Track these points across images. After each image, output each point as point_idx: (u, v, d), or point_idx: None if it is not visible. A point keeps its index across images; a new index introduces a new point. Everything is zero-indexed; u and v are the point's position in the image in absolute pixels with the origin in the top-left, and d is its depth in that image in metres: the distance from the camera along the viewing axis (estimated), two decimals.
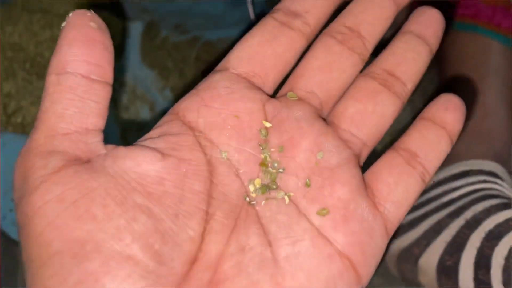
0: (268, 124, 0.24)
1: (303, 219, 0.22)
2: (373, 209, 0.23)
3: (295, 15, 0.26)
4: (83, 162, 0.21)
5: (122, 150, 0.21)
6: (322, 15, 0.26)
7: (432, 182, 0.40)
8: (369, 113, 0.25)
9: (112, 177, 0.20)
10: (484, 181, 0.38)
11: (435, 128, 0.25)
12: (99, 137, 0.21)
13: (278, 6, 0.26)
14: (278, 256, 0.21)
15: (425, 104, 0.26)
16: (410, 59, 0.26)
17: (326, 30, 0.27)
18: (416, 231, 0.37)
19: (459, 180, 0.38)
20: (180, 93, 0.49)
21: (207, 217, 0.21)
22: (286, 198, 0.23)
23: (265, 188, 0.23)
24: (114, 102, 0.49)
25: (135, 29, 0.52)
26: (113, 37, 0.53)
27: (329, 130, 0.24)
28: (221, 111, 0.24)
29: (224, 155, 0.23)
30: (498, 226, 0.33)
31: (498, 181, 0.38)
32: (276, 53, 0.25)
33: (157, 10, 0.52)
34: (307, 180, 0.23)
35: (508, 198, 0.36)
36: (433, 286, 0.36)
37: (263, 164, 0.23)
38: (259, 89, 0.25)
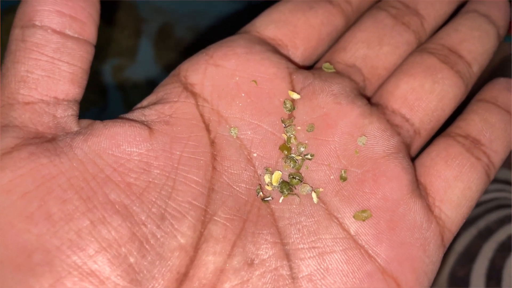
0: (295, 95, 0.18)
1: (335, 224, 0.17)
2: (428, 213, 0.18)
3: None
4: (46, 140, 0.16)
5: (97, 127, 0.16)
6: None
7: None
8: (427, 92, 0.20)
9: (80, 163, 0.15)
10: (499, 190, 0.36)
11: (500, 112, 0.20)
12: (72, 111, 0.17)
13: None
14: (299, 274, 0.16)
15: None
16: (476, 37, 0.21)
17: (377, 5, 0.22)
18: None
19: None
20: None
21: (204, 218, 0.16)
22: (314, 195, 0.17)
23: (286, 186, 0.17)
24: (127, 103, 0.49)
25: (149, 30, 0.52)
26: (127, 38, 0.52)
27: (374, 111, 0.19)
28: (235, 73, 0.18)
29: (233, 132, 0.17)
30: (510, 237, 0.32)
31: None
32: (310, 23, 0.20)
33: (172, 11, 0.52)
34: (343, 171, 0.18)
35: None
36: None
37: (285, 147, 0.17)
38: (286, 56, 0.20)
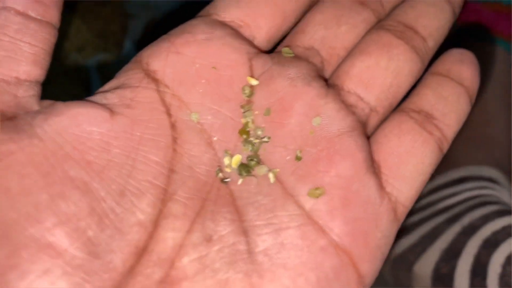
0: (254, 81, 0.19)
1: (290, 201, 0.18)
2: (381, 190, 0.18)
3: None
4: (6, 118, 0.16)
5: (59, 106, 0.16)
6: None
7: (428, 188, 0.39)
8: (382, 70, 0.20)
9: (40, 140, 0.15)
10: (483, 187, 0.37)
11: (452, 85, 0.20)
12: (33, 91, 0.17)
13: None
14: (255, 249, 0.17)
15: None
16: (431, 13, 0.21)
17: None
18: (411, 237, 0.37)
19: (457, 186, 0.38)
20: None
21: (164, 197, 0.16)
22: (271, 175, 0.18)
23: (245, 168, 0.18)
24: None
25: (136, 25, 0.51)
26: (112, 34, 0.52)
27: (329, 92, 0.19)
28: (195, 60, 0.18)
29: (194, 117, 0.18)
30: (495, 233, 0.33)
31: (497, 187, 0.37)
32: (274, 1, 0.20)
33: (158, 7, 0.52)
34: (298, 152, 0.18)
35: (506, 204, 0.35)
36: None
37: (243, 131, 0.18)
38: (247, 40, 0.20)
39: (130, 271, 0.15)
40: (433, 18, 0.21)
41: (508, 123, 0.41)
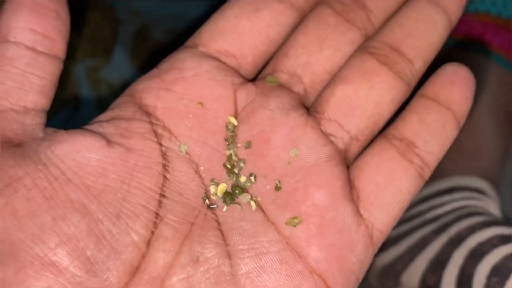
0: (234, 121, 0.20)
1: (271, 228, 0.19)
2: (357, 217, 0.19)
3: None
4: (14, 145, 0.17)
5: (61, 134, 0.18)
6: None
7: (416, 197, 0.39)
8: (361, 99, 0.20)
9: (44, 166, 0.17)
10: (470, 198, 0.37)
11: (439, 109, 0.20)
12: (40, 119, 0.18)
13: None
14: (238, 271, 0.18)
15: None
16: (421, 31, 0.21)
17: (322, 0, 0.22)
18: (399, 247, 0.37)
19: (445, 196, 0.38)
20: None
21: (156, 220, 0.18)
22: (253, 203, 0.19)
23: (229, 196, 0.19)
24: (101, 104, 0.48)
25: (126, 32, 0.51)
26: (102, 40, 0.52)
27: (308, 122, 0.20)
28: (184, 96, 0.20)
29: (183, 148, 0.19)
30: (481, 244, 0.33)
31: (484, 198, 0.37)
32: (256, 28, 0.21)
33: (149, 13, 0.52)
34: (277, 182, 0.19)
35: (492, 215, 0.36)
36: None
37: (228, 163, 0.20)
38: (233, 71, 0.21)
39: None
40: (422, 37, 0.21)
41: (496, 134, 0.41)
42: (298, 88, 0.21)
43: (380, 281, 0.37)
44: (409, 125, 0.20)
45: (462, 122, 0.20)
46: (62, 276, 0.16)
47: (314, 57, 0.21)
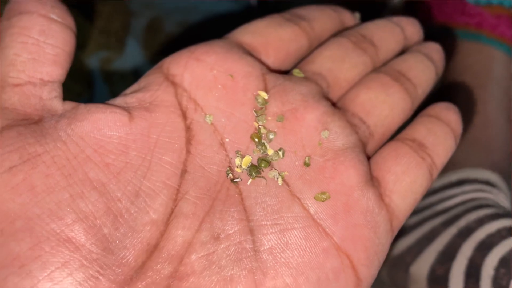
0: (265, 95, 0.20)
1: (296, 204, 0.19)
2: (379, 201, 0.20)
3: (301, 17, 0.25)
4: (33, 122, 0.17)
5: (81, 111, 0.18)
6: (327, 26, 0.25)
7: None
8: (380, 102, 0.23)
9: (63, 143, 0.17)
10: (480, 190, 0.37)
11: (441, 124, 0.23)
12: (56, 92, 0.18)
13: (287, 11, 0.25)
14: (261, 247, 0.18)
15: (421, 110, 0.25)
16: (420, 68, 0.25)
17: (339, 34, 0.26)
18: (409, 238, 0.37)
19: (455, 189, 0.38)
20: None
21: (176, 197, 0.18)
22: (280, 178, 0.19)
23: (255, 169, 0.19)
24: (114, 96, 0.49)
25: (138, 23, 0.51)
26: (115, 32, 0.53)
27: (336, 111, 0.22)
28: (214, 67, 0.20)
29: (208, 118, 0.19)
30: (490, 236, 0.33)
31: (494, 190, 0.37)
32: (281, 37, 0.23)
33: (161, 5, 0.52)
34: (307, 158, 0.20)
35: (502, 208, 0.36)
36: None
37: (255, 134, 0.19)
38: (260, 60, 0.23)
39: (142, 266, 0.16)
40: (421, 72, 0.25)
41: (507, 126, 0.41)
42: (322, 83, 0.23)
43: (389, 272, 0.37)
44: (418, 131, 0.23)
45: (458, 141, 0.24)
46: (78, 252, 0.16)
47: (337, 65, 0.23)
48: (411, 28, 0.27)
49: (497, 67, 0.42)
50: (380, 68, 0.25)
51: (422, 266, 0.35)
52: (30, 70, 0.18)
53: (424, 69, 0.25)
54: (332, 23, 0.26)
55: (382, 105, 0.23)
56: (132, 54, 0.50)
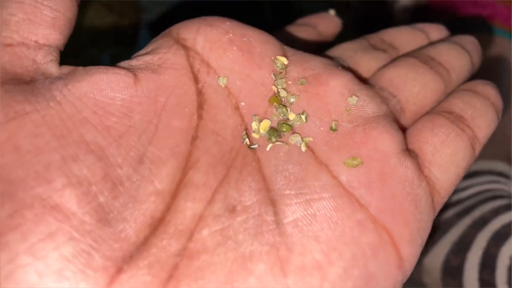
0: (285, 60, 0.18)
1: (324, 171, 0.16)
2: (419, 171, 0.17)
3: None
4: (24, 82, 0.15)
5: (80, 73, 0.16)
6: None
7: None
8: (411, 79, 0.20)
9: (57, 103, 0.15)
10: (494, 182, 0.37)
11: (480, 97, 0.21)
12: (52, 56, 0.16)
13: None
14: (284, 220, 0.15)
15: None
16: (453, 53, 0.22)
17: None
18: None
19: (469, 180, 0.38)
20: None
21: (186, 165, 0.16)
22: (303, 143, 0.17)
23: (275, 133, 0.17)
24: None
25: (149, 19, 0.51)
26: (127, 27, 0.53)
27: (362, 83, 0.19)
28: (229, 31, 0.18)
29: (222, 81, 0.17)
30: (505, 226, 0.33)
31: (509, 182, 0.37)
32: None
33: (170, 1, 0.52)
34: (333, 123, 0.17)
35: None
36: (437, 286, 0.35)
37: (274, 99, 0.17)
38: None
39: (144, 242, 0.14)
40: (453, 57, 0.22)
41: None
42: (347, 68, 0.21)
43: None
44: (455, 104, 0.20)
45: (499, 116, 0.21)
46: (68, 222, 0.13)
47: (357, 57, 0.23)
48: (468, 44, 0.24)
49: (510, 58, 0.42)
50: (409, 53, 0.23)
51: (436, 257, 0.35)
52: (24, 31, 0.16)
53: (456, 55, 0.22)
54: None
55: (413, 82, 0.20)
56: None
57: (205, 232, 0.15)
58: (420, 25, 0.24)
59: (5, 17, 0.16)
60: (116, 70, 0.16)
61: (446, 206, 0.37)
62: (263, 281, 0.14)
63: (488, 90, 0.21)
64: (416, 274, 0.37)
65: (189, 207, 0.15)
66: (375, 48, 0.23)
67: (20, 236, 0.13)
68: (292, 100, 0.17)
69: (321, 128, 0.17)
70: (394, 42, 0.23)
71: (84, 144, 0.14)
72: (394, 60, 0.22)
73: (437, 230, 0.36)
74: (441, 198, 0.18)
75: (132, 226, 0.14)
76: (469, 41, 0.24)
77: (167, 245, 0.14)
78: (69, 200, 0.13)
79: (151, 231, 0.14)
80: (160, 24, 0.52)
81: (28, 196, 0.13)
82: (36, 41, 0.16)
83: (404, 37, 0.24)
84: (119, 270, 0.14)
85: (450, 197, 0.38)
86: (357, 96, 0.18)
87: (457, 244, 0.34)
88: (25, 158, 0.14)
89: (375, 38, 0.23)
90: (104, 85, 0.15)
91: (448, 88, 0.21)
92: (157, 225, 0.14)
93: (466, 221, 0.35)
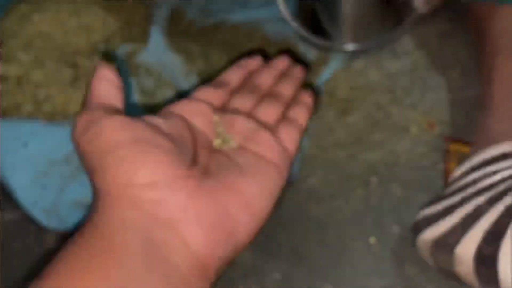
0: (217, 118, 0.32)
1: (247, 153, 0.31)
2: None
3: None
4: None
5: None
6: None
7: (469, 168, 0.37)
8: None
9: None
10: None
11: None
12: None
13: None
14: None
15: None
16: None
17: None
18: (452, 219, 0.35)
19: (499, 163, 0.36)
20: (206, 78, 0.47)
21: (195, 149, 0.29)
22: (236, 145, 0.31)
23: (222, 142, 0.32)
24: (140, 87, 0.48)
25: (160, 14, 0.51)
26: (138, 23, 0.53)
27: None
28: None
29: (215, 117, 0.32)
30: None
31: None
32: None
33: None
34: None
35: None
36: (470, 276, 0.34)
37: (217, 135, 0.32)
38: None
39: (194, 160, 0.28)
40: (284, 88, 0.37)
41: None
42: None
43: (433, 254, 0.36)
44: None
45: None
46: (163, 149, 0.26)
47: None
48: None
49: None
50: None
51: (468, 247, 0.33)
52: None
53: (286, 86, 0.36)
54: None
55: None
56: (156, 44, 0.49)
57: (212, 165, 0.29)
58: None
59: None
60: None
61: (476, 192, 0.35)
62: None
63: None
64: (448, 265, 0.35)
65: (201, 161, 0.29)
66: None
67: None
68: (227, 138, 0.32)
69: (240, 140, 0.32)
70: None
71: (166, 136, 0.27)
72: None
73: (468, 218, 0.34)
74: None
75: (188, 150, 0.28)
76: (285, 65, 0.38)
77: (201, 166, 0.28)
78: (165, 142, 0.27)
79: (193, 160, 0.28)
80: (172, 17, 0.52)
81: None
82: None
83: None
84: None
85: (479, 183, 0.36)
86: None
87: (490, 233, 0.33)
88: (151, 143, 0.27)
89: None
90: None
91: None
92: (194, 160, 0.28)
93: (499, 208, 0.33)
